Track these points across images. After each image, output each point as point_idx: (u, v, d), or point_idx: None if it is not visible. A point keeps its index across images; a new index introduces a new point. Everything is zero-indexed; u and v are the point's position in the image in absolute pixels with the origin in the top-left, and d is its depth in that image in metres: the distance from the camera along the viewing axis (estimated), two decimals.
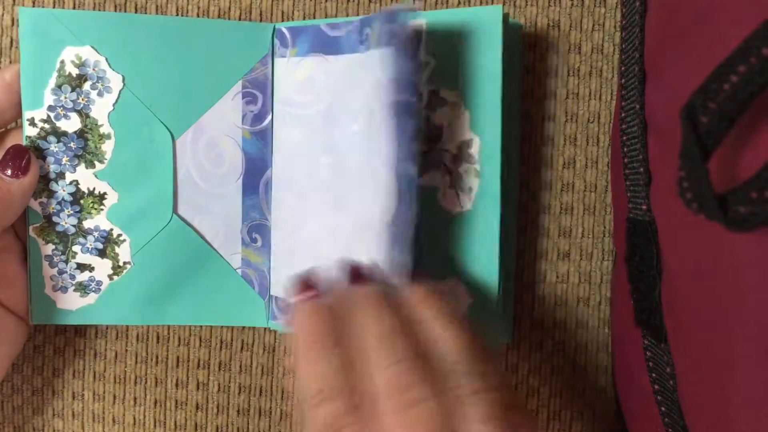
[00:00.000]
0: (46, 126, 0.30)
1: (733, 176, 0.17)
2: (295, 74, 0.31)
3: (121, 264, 0.32)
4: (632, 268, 0.25)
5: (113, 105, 0.30)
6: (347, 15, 0.32)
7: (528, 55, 0.31)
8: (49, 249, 0.31)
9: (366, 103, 0.28)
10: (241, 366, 0.34)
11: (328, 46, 0.30)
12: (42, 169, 0.30)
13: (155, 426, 0.34)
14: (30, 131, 0.30)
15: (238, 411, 0.34)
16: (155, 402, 0.34)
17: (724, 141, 0.16)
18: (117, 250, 0.31)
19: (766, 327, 0.17)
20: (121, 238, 0.31)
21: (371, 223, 0.27)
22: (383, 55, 0.26)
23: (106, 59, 0.30)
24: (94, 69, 0.30)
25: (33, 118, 0.30)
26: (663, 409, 0.24)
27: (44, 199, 0.31)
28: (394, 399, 0.21)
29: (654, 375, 0.24)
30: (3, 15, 0.34)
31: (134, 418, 0.34)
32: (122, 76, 0.30)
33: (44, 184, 0.30)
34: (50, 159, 0.30)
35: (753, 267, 0.17)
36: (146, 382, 0.34)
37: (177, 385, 0.34)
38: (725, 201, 0.16)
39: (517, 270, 0.32)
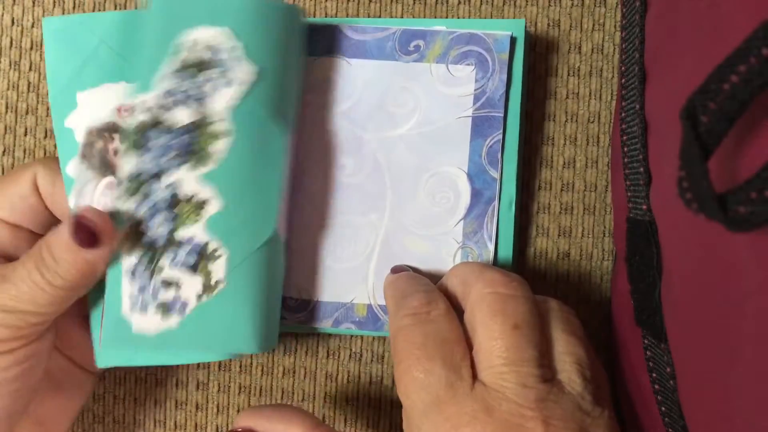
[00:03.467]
0: (151, 114, 0.26)
1: (733, 176, 0.17)
2: (308, 75, 0.31)
3: (212, 283, 0.27)
4: (632, 268, 0.25)
5: (238, 99, 0.26)
6: (347, 15, 0.32)
7: (528, 55, 0.31)
8: (132, 261, 0.26)
9: (416, 110, 0.30)
10: (241, 366, 0.34)
11: (349, 48, 0.30)
12: (139, 164, 0.26)
13: (155, 426, 0.34)
14: (129, 120, 0.26)
15: (238, 411, 0.34)
16: (155, 402, 0.34)
17: (724, 141, 0.16)
18: (210, 266, 0.27)
19: (766, 327, 0.17)
20: (217, 253, 0.27)
21: (412, 223, 0.31)
22: (459, 71, 0.30)
23: (243, 46, 0.26)
24: (225, 55, 0.26)
25: (135, 107, 0.26)
26: (663, 409, 0.24)
27: (132, 205, 0.26)
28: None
29: (654, 375, 0.24)
30: (3, 15, 0.34)
31: (134, 418, 0.34)
32: (255, 67, 0.26)
33: (137, 184, 0.26)
34: (149, 155, 0.26)
35: (753, 267, 0.17)
36: (146, 383, 0.34)
37: (177, 385, 0.34)
38: (725, 201, 0.16)
39: (517, 270, 0.32)
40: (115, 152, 0.28)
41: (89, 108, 0.28)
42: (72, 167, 0.28)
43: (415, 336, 0.25)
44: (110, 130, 0.28)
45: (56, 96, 0.28)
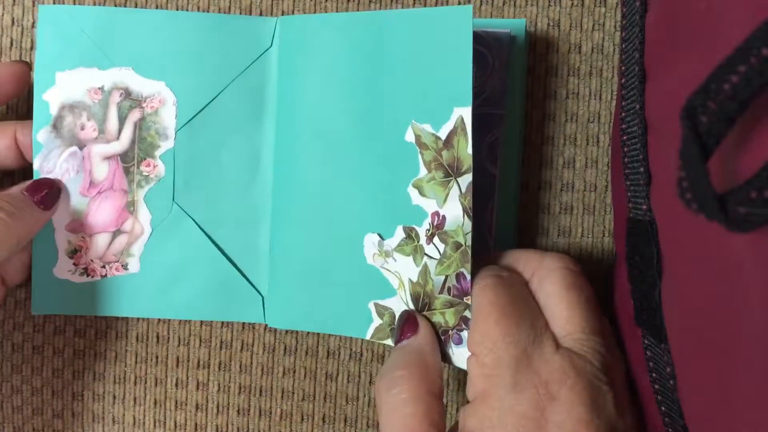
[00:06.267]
0: None
1: (733, 176, 0.17)
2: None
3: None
4: (632, 268, 0.25)
5: None
6: None
7: (528, 55, 0.31)
8: None
9: None
10: (241, 366, 0.34)
11: None
12: None
13: (155, 426, 0.34)
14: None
15: (238, 411, 0.34)
16: (155, 402, 0.34)
17: (724, 141, 0.16)
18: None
19: (767, 327, 0.17)
20: None
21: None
22: None
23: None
24: None
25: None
26: (663, 409, 0.24)
27: None
28: None
29: (654, 375, 0.24)
30: (3, 15, 0.34)
31: (134, 418, 0.34)
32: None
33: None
34: None
35: (753, 267, 0.17)
36: (146, 382, 0.34)
37: (177, 385, 0.34)
38: (725, 201, 0.16)
39: None
40: (82, 127, 0.31)
41: (65, 86, 0.31)
42: (42, 135, 0.31)
43: (503, 294, 0.25)
44: (80, 108, 0.31)
45: (39, 72, 0.31)
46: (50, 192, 0.30)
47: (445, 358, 0.28)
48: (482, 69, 0.30)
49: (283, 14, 0.33)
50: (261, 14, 0.33)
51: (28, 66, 0.31)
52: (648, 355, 0.24)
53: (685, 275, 0.21)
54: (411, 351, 0.27)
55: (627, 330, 0.27)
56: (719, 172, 0.18)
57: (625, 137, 0.26)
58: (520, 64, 0.30)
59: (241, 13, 0.33)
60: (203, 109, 0.32)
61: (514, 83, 0.30)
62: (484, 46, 0.30)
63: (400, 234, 0.28)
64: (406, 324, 0.28)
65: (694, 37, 0.20)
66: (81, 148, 0.32)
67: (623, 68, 0.27)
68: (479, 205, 0.30)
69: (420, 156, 0.28)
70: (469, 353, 0.26)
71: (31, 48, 0.34)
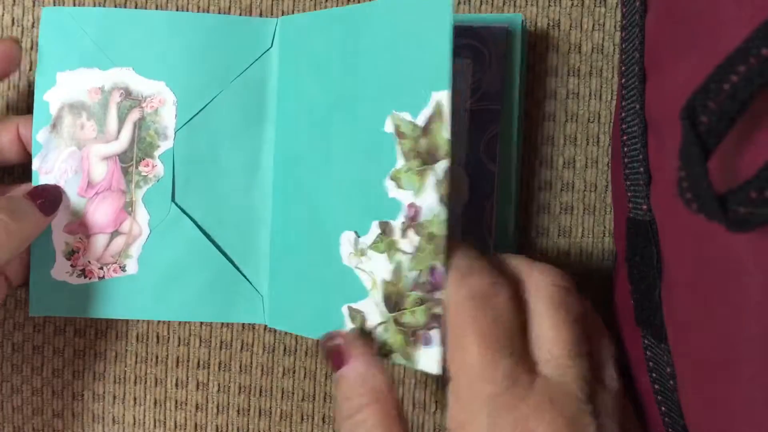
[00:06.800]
0: None
1: (733, 176, 0.17)
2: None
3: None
4: (632, 268, 0.25)
5: None
6: None
7: (528, 55, 0.31)
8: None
9: None
10: (241, 366, 0.34)
11: None
12: None
13: (155, 426, 0.34)
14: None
15: (238, 411, 0.34)
16: (155, 402, 0.34)
17: (724, 141, 0.16)
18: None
19: (766, 327, 0.17)
20: None
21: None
22: (456, 65, 0.29)
23: None
24: None
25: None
26: (663, 409, 0.24)
27: None
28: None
29: (654, 375, 0.24)
30: (3, 15, 0.34)
31: (134, 418, 0.34)
32: None
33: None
34: None
35: (753, 267, 0.17)
36: (146, 382, 0.34)
37: (177, 385, 0.34)
38: (725, 201, 0.16)
39: None
40: (82, 127, 0.31)
41: (65, 87, 0.31)
42: (42, 135, 0.31)
43: (480, 319, 0.24)
44: (80, 107, 0.31)
45: (41, 72, 0.31)
46: (51, 199, 0.31)
47: (411, 360, 0.26)
48: (479, 64, 0.30)
49: (283, 14, 0.33)
50: (261, 14, 0.33)
51: (18, 43, 0.31)
52: (648, 355, 0.24)
53: (686, 275, 0.21)
54: (359, 384, 0.25)
55: (627, 330, 0.27)
56: (719, 172, 0.18)
57: (625, 137, 0.26)
58: (517, 59, 0.30)
59: (241, 14, 0.33)
60: (203, 109, 0.31)
61: (511, 78, 0.30)
62: (481, 41, 0.29)
63: (375, 230, 0.27)
64: (333, 356, 0.26)
65: (694, 37, 0.20)
66: (80, 148, 0.31)
67: (623, 68, 0.27)
68: (478, 204, 0.30)
69: (398, 146, 0.27)
70: (445, 361, 0.25)
71: (32, 48, 0.34)
